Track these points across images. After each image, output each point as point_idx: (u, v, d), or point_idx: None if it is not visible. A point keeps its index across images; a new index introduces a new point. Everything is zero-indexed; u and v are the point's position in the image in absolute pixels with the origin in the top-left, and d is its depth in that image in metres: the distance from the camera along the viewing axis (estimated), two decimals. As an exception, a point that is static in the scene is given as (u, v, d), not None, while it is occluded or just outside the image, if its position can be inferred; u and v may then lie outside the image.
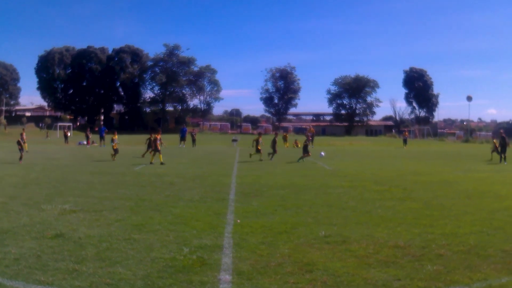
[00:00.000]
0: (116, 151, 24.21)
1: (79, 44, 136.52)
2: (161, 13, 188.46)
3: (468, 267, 5.92)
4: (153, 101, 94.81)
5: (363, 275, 5.60)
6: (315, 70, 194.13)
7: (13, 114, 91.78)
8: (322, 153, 24.03)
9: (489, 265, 6.00)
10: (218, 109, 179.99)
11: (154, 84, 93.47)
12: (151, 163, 21.46)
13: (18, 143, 22.78)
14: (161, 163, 21.32)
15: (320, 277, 5.52)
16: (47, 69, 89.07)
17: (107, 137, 45.03)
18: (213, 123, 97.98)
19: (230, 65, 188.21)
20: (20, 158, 21.76)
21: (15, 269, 5.67)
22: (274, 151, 25.76)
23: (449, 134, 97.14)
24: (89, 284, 5.19)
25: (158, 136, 22.75)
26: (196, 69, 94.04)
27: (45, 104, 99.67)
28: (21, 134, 23.75)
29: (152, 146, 22.63)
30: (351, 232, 7.81)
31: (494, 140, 29.36)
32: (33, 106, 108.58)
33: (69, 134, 49.09)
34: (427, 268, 5.85)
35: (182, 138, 42.28)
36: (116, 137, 25.11)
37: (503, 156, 26.11)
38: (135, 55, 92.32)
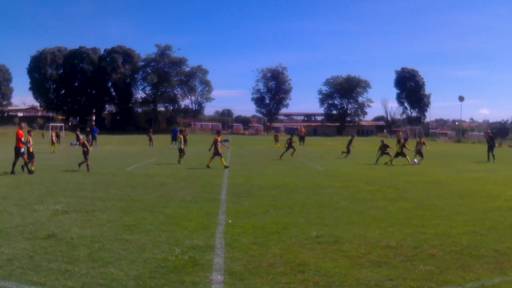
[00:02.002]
0: (181, 151, 23.27)
1: (71, 44, 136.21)
2: (152, 13, 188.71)
3: (460, 267, 5.95)
4: (145, 102, 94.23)
5: (355, 275, 5.61)
6: (307, 70, 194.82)
7: (5, 115, 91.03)
8: (415, 160, 24.18)
9: (481, 265, 6.04)
10: (209, 110, 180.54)
11: (145, 84, 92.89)
12: (207, 166, 20.26)
13: (84, 145, 19.09)
14: (225, 167, 20.03)
15: (312, 277, 5.53)
16: (39, 69, 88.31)
17: (112, 137, 44.87)
18: (205, 123, 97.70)
19: (222, 65, 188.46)
20: (86, 165, 18.25)
21: (7, 269, 5.64)
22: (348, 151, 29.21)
23: (441, 134, 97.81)
24: (81, 285, 5.17)
25: (218, 138, 21.63)
26: (187, 69, 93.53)
27: (37, 104, 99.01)
28: (88, 136, 20.07)
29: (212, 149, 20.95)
30: (343, 232, 7.83)
31: (382, 139, 28.72)
32: (25, 107, 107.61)
33: (61, 134, 48.68)
34: (419, 268, 5.87)
35: (174, 139, 42.09)
36: (182, 137, 24.08)
37: (491, 154, 26.67)
38: (127, 55, 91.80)
